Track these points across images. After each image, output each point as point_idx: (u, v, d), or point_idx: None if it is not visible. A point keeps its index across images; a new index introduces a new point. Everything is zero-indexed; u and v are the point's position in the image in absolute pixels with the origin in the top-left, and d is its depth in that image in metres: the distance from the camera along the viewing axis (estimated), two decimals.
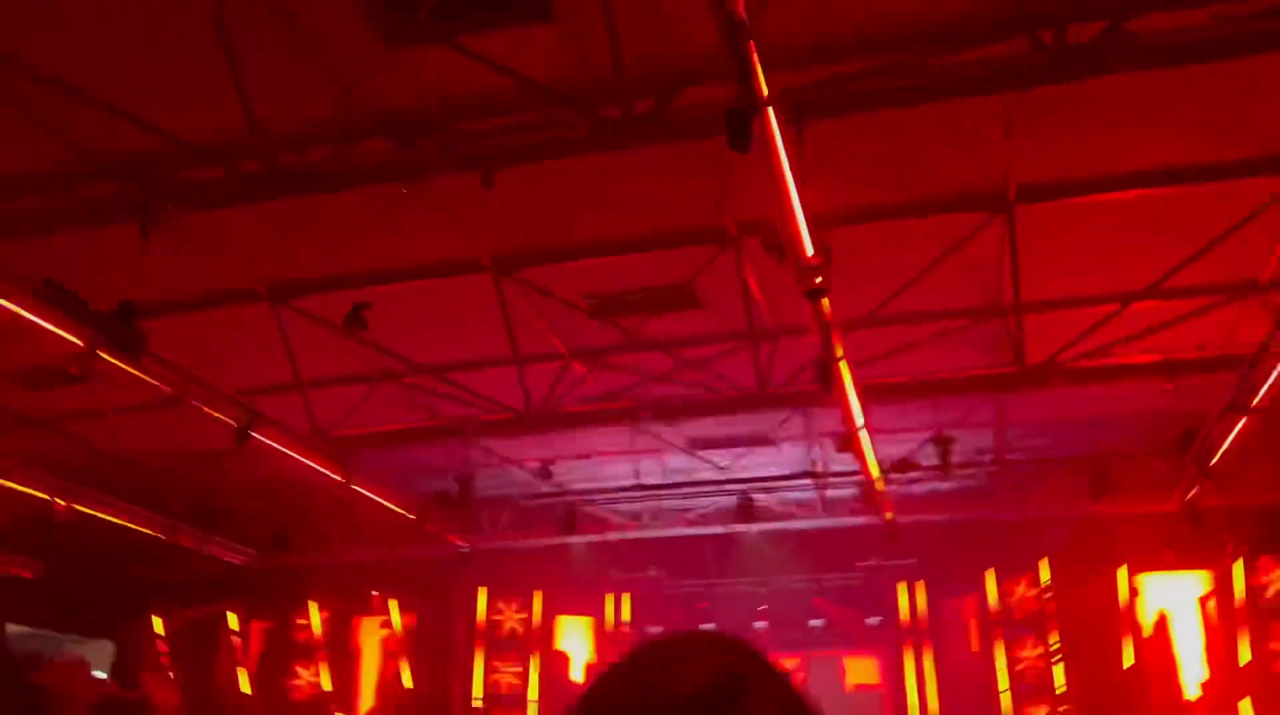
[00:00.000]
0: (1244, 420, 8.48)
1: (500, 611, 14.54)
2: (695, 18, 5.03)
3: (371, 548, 12.97)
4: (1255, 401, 8.17)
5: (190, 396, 8.33)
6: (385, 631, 14.42)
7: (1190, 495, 10.52)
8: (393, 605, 14.33)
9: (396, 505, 11.41)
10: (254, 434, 8.86)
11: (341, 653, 14.43)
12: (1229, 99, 6.44)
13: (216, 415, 8.63)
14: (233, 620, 14.49)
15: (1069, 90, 6.02)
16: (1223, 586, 12.56)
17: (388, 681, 14.33)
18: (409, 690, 14.13)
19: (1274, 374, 7.75)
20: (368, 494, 10.71)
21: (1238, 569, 12.43)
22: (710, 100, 5.49)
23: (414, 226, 7.72)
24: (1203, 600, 12.72)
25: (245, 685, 14.37)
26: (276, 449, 9.27)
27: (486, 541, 13.17)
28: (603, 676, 1.09)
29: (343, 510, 11.81)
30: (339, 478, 9.95)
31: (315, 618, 14.41)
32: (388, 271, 8.45)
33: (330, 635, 14.44)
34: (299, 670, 14.32)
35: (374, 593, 14.29)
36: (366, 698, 14.43)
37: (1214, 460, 9.60)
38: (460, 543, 12.92)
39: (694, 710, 1.01)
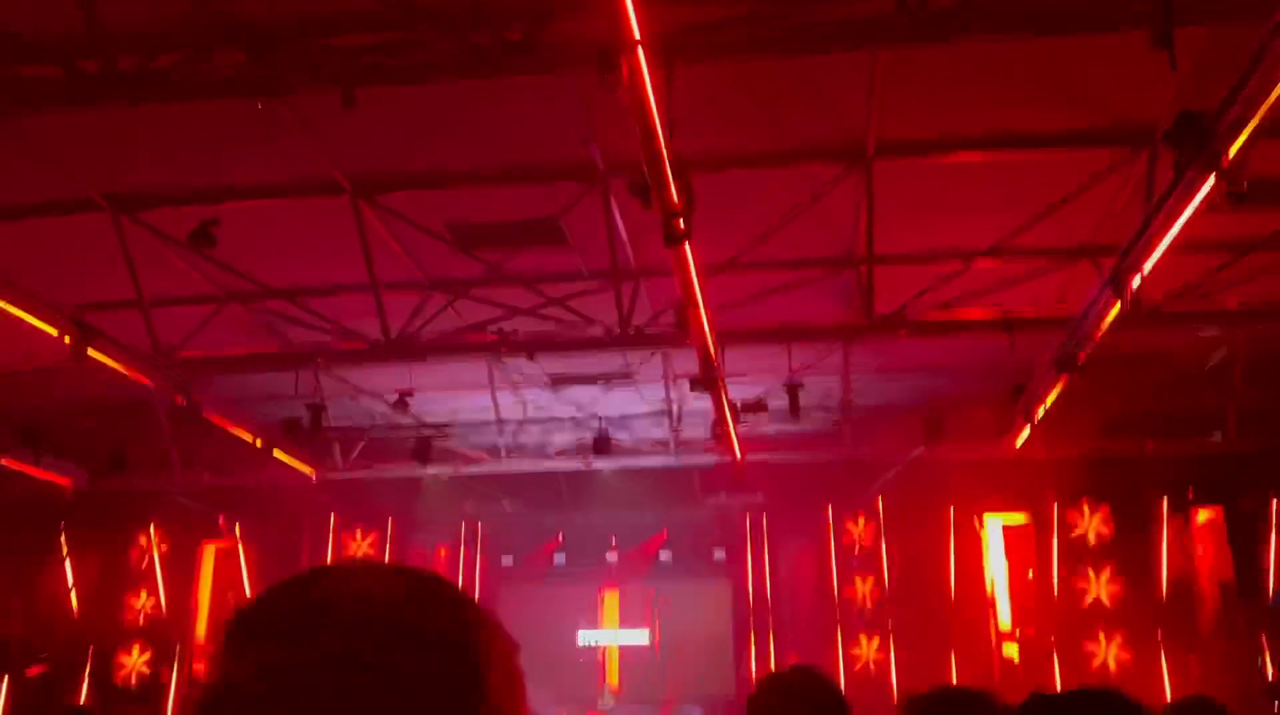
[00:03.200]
0: (1067, 376, 9.07)
1: (351, 540, 14.39)
2: None
3: (217, 473, 12.59)
4: (1079, 358, 8.74)
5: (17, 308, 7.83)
6: (228, 558, 14.09)
7: (1017, 443, 11.22)
8: (237, 531, 13.99)
9: (242, 431, 11.08)
10: (91, 352, 8.42)
11: (181, 578, 14.03)
12: (1076, 70, 6.78)
13: (47, 329, 8.15)
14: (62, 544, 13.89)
15: (930, 51, 6.22)
16: (1040, 528, 13.55)
17: (229, 608, 14.02)
18: None
19: (1097, 335, 8.30)
20: (211, 419, 10.35)
21: (1054, 513, 13.44)
22: (583, 34, 5.44)
23: (270, 143, 7.39)
24: (1022, 541, 13.68)
25: (75, 610, 13.85)
26: (113, 367, 8.84)
27: (338, 471, 12.97)
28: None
29: (185, 434, 11.39)
30: (180, 401, 9.58)
31: (154, 542, 13.95)
32: (240, 188, 8.10)
33: (169, 561, 14.01)
34: (135, 596, 13.87)
35: (218, 517, 13.91)
36: (205, 624, 14.12)
37: (1039, 411, 10.25)
38: (309, 471, 12.67)
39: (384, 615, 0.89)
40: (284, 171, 7.95)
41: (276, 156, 7.67)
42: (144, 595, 13.86)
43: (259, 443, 11.31)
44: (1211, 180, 5.56)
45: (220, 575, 14.26)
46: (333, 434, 12.32)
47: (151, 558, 13.96)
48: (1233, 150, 5.35)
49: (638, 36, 4.86)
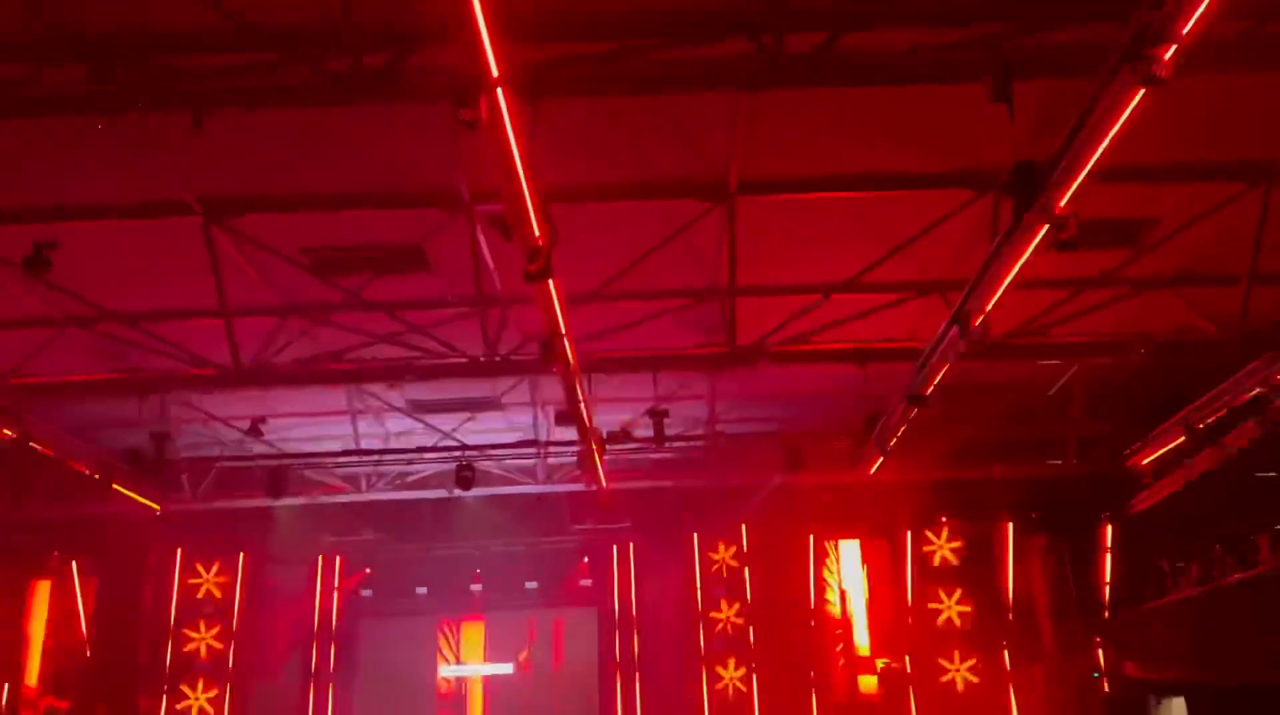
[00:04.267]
0: (916, 407, 9.42)
1: (198, 575, 13.75)
2: None
3: (51, 505, 11.84)
4: (927, 390, 9.09)
5: None
6: (63, 595, 13.26)
7: (871, 471, 11.59)
8: (74, 567, 13.19)
9: (78, 462, 10.46)
10: None
11: (10, 617, 13.12)
12: (931, 116, 7.07)
13: None
14: None
15: (792, 94, 6.39)
16: (894, 552, 14.02)
17: (65, 649, 13.19)
18: (89, 659, 13.09)
19: (944, 368, 8.65)
20: (43, 450, 9.74)
21: (908, 537, 13.94)
22: (448, 64, 5.37)
23: (114, 162, 7.05)
24: (878, 564, 14.12)
25: None
26: None
27: (186, 503, 12.37)
28: None
29: (16, 464, 10.69)
30: (8, 431, 8.98)
31: None
32: (83, 207, 7.69)
33: None
34: None
35: (53, 554, 13.09)
36: (36, 665, 13.23)
37: (892, 441, 10.62)
38: (151, 503, 12.05)
39: None
40: (131, 191, 7.59)
41: (123, 176, 7.31)
42: None
43: (97, 475, 10.69)
44: (1045, 228, 5.87)
45: (55, 614, 13.40)
46: (181, 464, 11.77)
47: None
48: (1063, 201, 5.68)
49: (496, 74, 4.83)
